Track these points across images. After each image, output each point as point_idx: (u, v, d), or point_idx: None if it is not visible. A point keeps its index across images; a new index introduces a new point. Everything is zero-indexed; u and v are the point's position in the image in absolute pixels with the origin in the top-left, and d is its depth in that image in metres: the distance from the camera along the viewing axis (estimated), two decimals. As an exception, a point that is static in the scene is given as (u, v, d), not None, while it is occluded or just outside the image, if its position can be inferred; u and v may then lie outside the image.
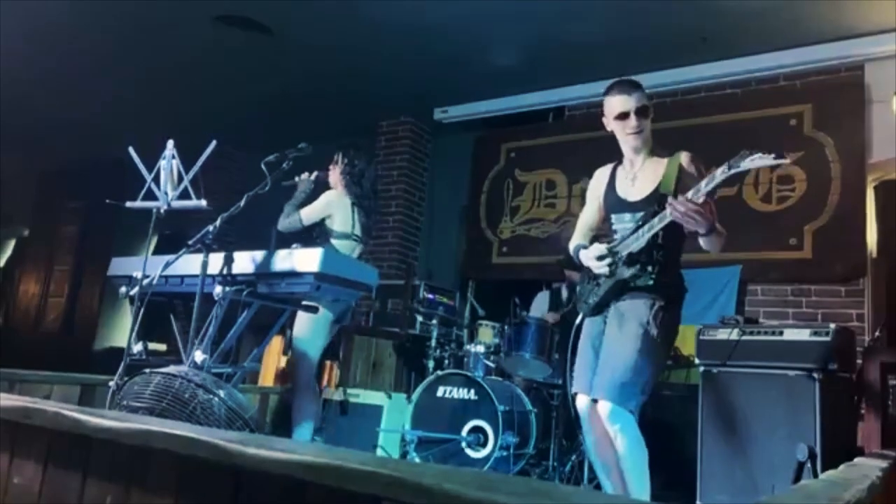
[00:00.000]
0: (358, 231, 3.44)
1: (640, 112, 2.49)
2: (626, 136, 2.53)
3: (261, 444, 1.04)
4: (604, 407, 2.34)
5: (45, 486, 1.39)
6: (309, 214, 3.36)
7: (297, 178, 3.45)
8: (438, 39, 4.99)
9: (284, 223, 3.35)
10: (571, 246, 2.71)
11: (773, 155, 2.13)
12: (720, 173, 2.19)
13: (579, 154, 5.30)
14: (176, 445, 1.15)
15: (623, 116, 2.50)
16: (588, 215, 2.77)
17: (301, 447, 1.04)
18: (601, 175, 2.73)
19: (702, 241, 2.37)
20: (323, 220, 3.41)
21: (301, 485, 0.98)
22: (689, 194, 2.23)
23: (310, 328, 3.26)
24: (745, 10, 4.27)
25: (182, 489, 1.19)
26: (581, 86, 5.50)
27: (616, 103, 2.51)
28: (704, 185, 2.21)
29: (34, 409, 1.41)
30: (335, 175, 3.54)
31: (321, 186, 3.51)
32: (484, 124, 6.18)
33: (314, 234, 3.39)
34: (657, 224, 2.35)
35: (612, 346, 2.41)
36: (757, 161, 2.14)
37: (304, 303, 2.74)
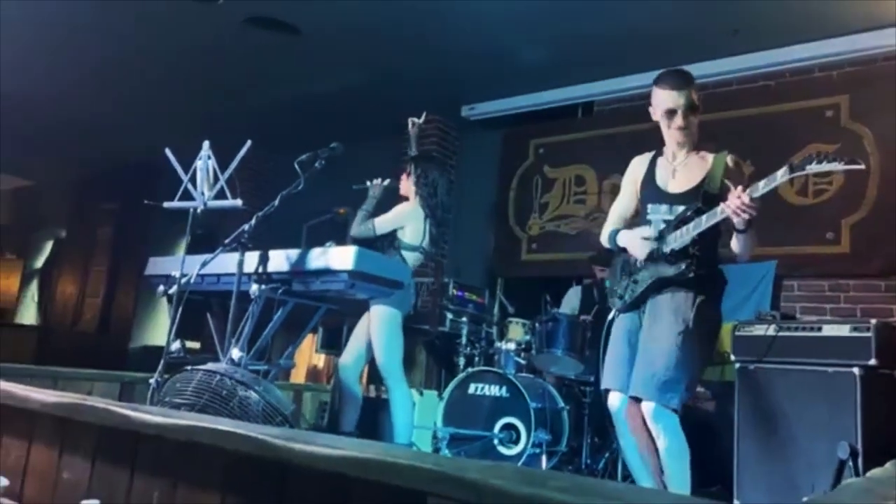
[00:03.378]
0: (426, 243, 3.47)
1: (689, 110, 2.43)
2: (670, 133, 2.48)
3: (307, 439, 1.06)
4: (647, 406, 2.30)
5: (94, 481, 1.42)
6: (382, 224, 3.38)
7: (368, 183, 3.47)
8: (466, 36, 4.98)
9: (357, 230, 3.36)
10: (606, 232, 2.65)
11: (844, 160, 2.04)
12: (780, 175, 2.13)
13: (609, 149, 5.26)
14: (222, 441, 1.17)
15: (671, 114, 2.45)
16: (623, 204, 2.70)
17: (347, 443, 1.05)
18: (639, 163, 2.67)
19: (737, 239, 2.33)
20: (395, 230, 3.43)
21: (347, 480, 0.99)
22: (748, 191, 2.17)
23: (388, 331, 3.33)
24: (776, 0, 4.19)
25: (228, 485, 1.21)
26: (610, 80, 5.45)
27: (665, 98, 2.45)
28: (763, 186, 2.16)
29: (83, 405, 1.44)
30: (407, 185, 3.55)
31: (391, 193, 3.53)
32: (512, 121, 6.15)
33: (385, 244, 3.41)
34: (705, 222, 2.30)
35: (651, 342, 2.35)
36: (825, 166, 2.06)
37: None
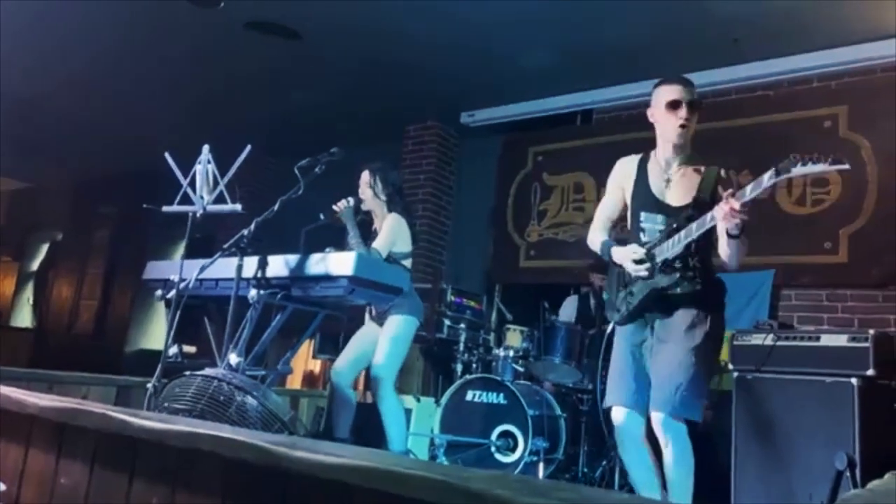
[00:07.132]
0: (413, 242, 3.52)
1: (693, 105, 2.43)
2: (672, 127, 2.44)
3: (308, 447, 1.05)
4: (657, 416, 2.30)
5: (92, 487, 1.41)
6: (383, 248, 3.37)
7: (335, 209, 3.45)
8: (465, 44, 4.99)
9: None
10: (596, 241, 2.63)
11: (829, 160, 2.02)
12: (767, 178, 2.12)
13: (607, 157, 5.12)
14: (222, 448, 1.16)
15: (675, 105, 2.42)
16: (609, 207, 2.68)
17: (349, 451, 1.04)
18: (626, 166, 2.63)
19: (728, 245, 2.31)
20: None
21: (349, 488, 0.99)
22: (737, 196, 2.16)
23: (401, 338, 3.37)
24: (777, 10, 4.20)
25: (227, 492, 1.20)
26: (609, 88, 5.46)
27: (668, 92, 2.45)
28: (750, 191, 2.15)
29: (81, 410, 1.43)
30: (371, 197, 3.54)
31: (358, 206, 3.53)
32: (511, 128, 6.16)
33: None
34: (695, 231, 2.29)
35: (669, 359, 2.33)
36: (810, 167, 2.04)
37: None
